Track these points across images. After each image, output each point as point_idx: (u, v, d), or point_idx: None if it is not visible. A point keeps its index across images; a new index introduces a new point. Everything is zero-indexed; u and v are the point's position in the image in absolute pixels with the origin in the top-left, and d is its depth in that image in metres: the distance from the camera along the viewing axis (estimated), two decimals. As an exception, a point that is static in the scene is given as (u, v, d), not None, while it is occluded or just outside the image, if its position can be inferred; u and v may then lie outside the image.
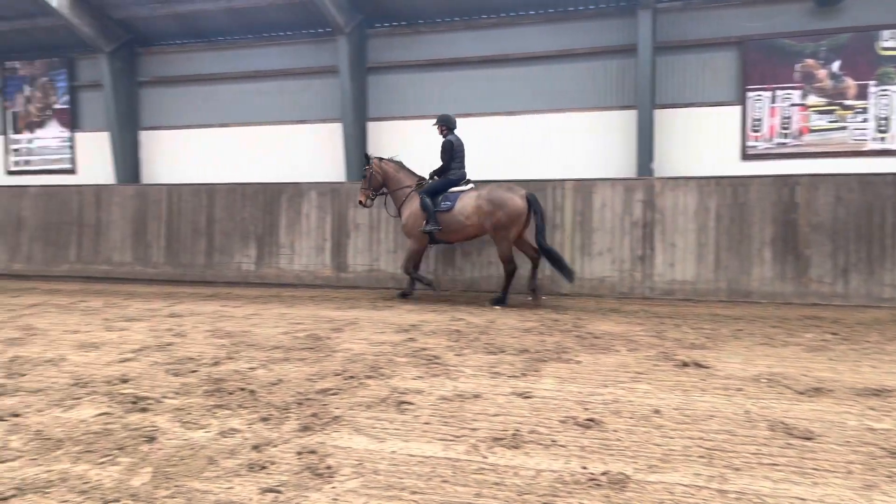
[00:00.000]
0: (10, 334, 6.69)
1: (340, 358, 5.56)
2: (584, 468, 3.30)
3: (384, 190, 9.29)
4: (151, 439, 3.68)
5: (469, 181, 8.87)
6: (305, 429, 3.84)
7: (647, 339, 6.32)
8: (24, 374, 5.09)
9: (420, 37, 12.13)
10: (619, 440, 3.67)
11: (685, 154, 10.87)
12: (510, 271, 8.49)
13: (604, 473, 3.23)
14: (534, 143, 11.60)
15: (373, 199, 9.25)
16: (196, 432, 3.81)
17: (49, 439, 3.69)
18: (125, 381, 4.86)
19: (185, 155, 13.61)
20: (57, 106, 14.36)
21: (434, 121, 9.10)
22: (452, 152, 8.63)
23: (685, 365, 5.31)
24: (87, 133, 14.24)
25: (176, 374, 5.06)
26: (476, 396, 4.44)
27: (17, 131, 14.72)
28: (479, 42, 11.82)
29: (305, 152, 12.78)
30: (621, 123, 11.11)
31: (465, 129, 11.95)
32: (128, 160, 13.62)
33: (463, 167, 8.80)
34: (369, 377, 4.92)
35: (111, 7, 12.86)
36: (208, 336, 6.56)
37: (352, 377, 4.91)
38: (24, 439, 3.70)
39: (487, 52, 11.77)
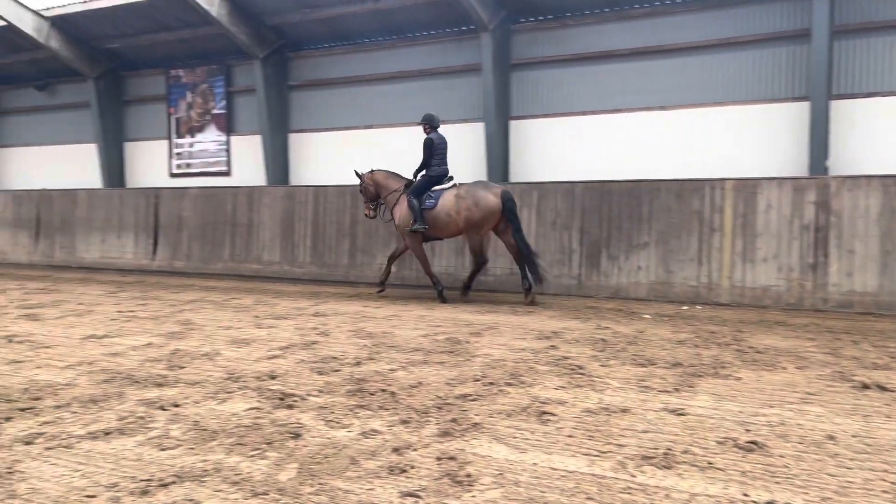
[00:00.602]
0: (171, 328, 7.34)
1: (480, 363, 5.60)
2: (746, 496, 3.12)
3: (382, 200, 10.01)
4: (297, 436, 3.89)
5: (451, 178, 9.45)
6: (445, 434, 3.90)
7: (820, 357, 5.87)
8: (184, 367, 5.57)
9: (566, 30, 12.00)
10: (787, 467, 3.43)
11: (867, 150, 9.98)
12: (481, 263, 9.24)
13: (769, 503, 3.03)
14: (689, 139, 11.12)
15: (375, 209, 10.05)
16: (339, 431, 3.98)
17: (205, 430, 4.00)
18: (273, 378, 5.18)
19: (330, 156, 14.31)
20: (215, 111, 15.60)
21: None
22: (433, 149, 9.32)
23: (865, 387, 4.88)
24: (241, 136, 15.34)
25: (320, 373, 5.33)
26: (623, 411, 4.32)
27: (179, 136, 16.15)
28: (630, 33, 11.52)
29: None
30: (791, 117, 10.40)
31: (613, 125, 11.68)
32: (278, 162, 14.53)
33: (444, 164, 9.43)
34: (509, 384, 4.93)
35: (265, 14, 13.78)
36: (351, 336, 6.85)
37: (491, 383, 4.94)
38: (183, 429, 4.04)
39: (639, 43, 11.43)
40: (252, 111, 15.00)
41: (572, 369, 5.38)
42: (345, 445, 3.75)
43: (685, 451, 3.63)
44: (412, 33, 13.36)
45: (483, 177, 12.37)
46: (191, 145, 16.02)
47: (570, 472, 3.39)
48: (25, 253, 15.06)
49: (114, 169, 16.72)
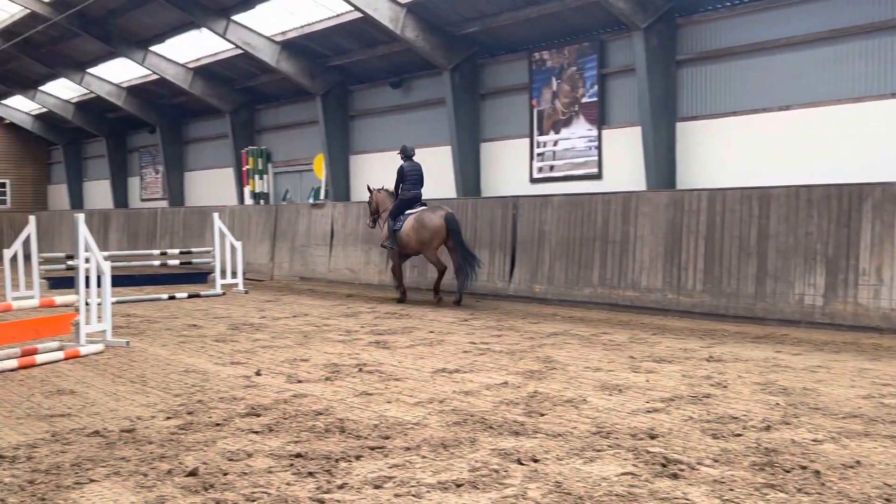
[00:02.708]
0: (529, 366, 7.85)
1: (954, 443, 5.07)
2: None
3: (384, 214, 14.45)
4: (683, 515, 3.90)
5: (423, 203, 13.92)
6: (896, 539, 3.60)
7: None
8: (544, 414, 5.93)
9: None
10: None
11: None
12: (441, 271, 13.64)
13: None
14: None
15: (374, 223, 14.80)
16: (740, 516, 3.90)
17: (569, 494, 4.22)
18: (653, 437, 5.26)
19: (730, 150, 14.00)
20: (584, 99, 16.29)
21: None
22: (402, 176, 13.89)
23: None
24: (615, 129, 15.79)
25: (714, 436, 5.28)
26: None
27: (542, 132, 17.18)
28: None
29: (902, 138, 11.93)
30: None
31: None
32: (661, 160, 14.65)
33: (415, 189, 13.92)
34: None
35: (647, -27, 14.07)
36: (757, 391, 6.67)
37: (973, 474, 4.44)
38: (543, 490, 4.30)
39: None
40: (629, 97, 15.35)
41: None
42: (748, 536, 3.66)
43: None
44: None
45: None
46: (555, 143, 16.93)
47: None
48: (377, 272, 17.29)
49: (469, 173, 18.41)
